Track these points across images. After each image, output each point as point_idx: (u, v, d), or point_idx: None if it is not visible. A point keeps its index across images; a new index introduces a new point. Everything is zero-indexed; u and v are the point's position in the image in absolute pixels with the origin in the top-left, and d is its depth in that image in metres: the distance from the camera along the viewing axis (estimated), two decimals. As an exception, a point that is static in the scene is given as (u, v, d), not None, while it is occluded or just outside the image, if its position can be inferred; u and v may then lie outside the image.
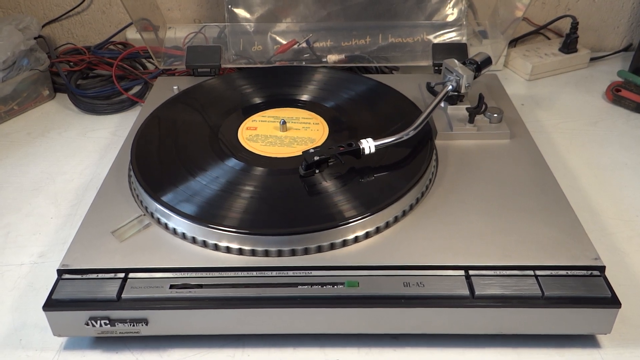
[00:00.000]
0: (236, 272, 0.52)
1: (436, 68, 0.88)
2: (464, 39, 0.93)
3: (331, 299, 0.50)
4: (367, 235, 0.55)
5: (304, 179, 0.60)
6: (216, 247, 0.54)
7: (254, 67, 0.91)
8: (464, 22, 0.95)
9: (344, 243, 0.54)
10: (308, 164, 0.59)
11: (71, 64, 1.01)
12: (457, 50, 0.88)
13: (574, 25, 1.02)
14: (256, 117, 0.72)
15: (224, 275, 0.52)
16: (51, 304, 0.50)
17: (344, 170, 0.61)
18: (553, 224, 0.57)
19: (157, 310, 0.50)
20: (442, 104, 0.73)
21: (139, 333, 0.51)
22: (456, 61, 0.72)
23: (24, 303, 0.58)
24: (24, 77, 0.92)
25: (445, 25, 0.95)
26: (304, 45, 0.93)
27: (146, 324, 0.51)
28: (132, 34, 1.06)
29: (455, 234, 0.55)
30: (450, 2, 0.95)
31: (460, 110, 0.72)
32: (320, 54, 0.93)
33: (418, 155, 0.63)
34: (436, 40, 0.94)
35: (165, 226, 0.56)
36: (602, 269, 0.52)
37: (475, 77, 0.72)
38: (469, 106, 0.70)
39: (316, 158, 0.59)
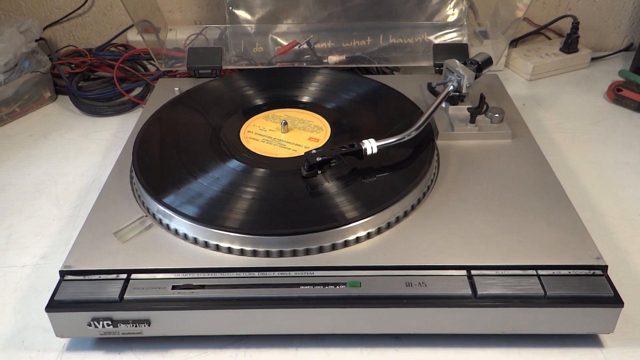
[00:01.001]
0: (238, 273, 0.52)
1: (437, 68, 0.88)
2: (465, 40, 0.93)
3: (333, 300, 0.50)
4: (369, 236, 0.55)
5: (307, 179, 0.60)
6: (218, 248, 0.54)
7: (255, 69, 0.91)
8: (465, 23, 0.95)
9: (346, 243, 0.54)
10: (310, 164, 0.59)
11: (72, 66, 1.01)
12: (458, 50, 0.88)
13: (575, 25, 1.02)
14: (257, 118, 0.72)
15: (226, 276, 0.52)
16: (54, 305, 0.50)
17: (346, 171, 0.61)
18: (555, 223, 0.56)
19: (160, 311, 0.50)
20: (443, 105, 0.73)
21: (141, 334, 0.51)
22: (457, 61, 0.72)
23: (26, 304, 0.58)
24: (26, 79, 0.92)
25: (446, 26, 0.95)
26: (305, 46, 0.93)
27: (148, 325, 0.51)
28: (133, 36, 1.06)
29: (457, 234, 0.55)
30: (451, 3, 0.95)
31: (461, 110, 0.73)
32: (321, 55, 0.93)
33: (420, 155, 0.63)
34: (437, 41, 0.94)
35: (167, 227, 0.56)
36: (604, 268, 0.52)
37: (476, 78, 0.72)
38: (470, 106, 0.70)
39: (318, 159, 0.59)
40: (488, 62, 0.73)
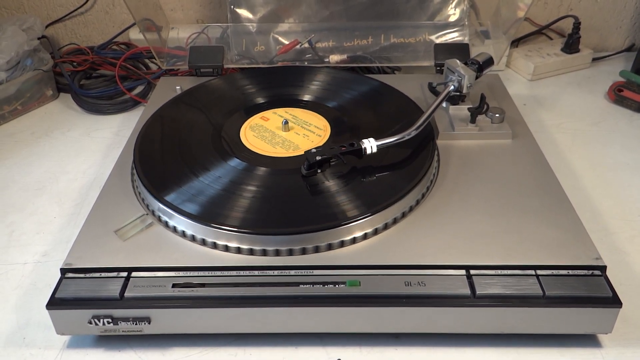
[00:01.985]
0: (238, 272, 0.52)
1: (438, 68, 0.88)
2: (466, 39, 0.93)
3: (333, 298, 0.50)
4: (369, 235, 0.55)
5: (306, 178, 0.60)
6: (218, 247, 0.54)
7: (257, 67, 0.91)
8: (466, 23, 0.95)
9: (345, 242, 0.54)
10: (310, 163, 0.59)
11: (74, 64, 1.01)
12: (459, 50, 0.88)
13: (576, 26, 1.02)
14: (258, 117, 0.73)
15: (227, 275, 0.52)
16: (54, 303, 0.50)
17: (345, 170, 0.61)
18: (555, 223, 0.57)
19: (160, 309, 0.50)
20: (444, 104, 0.73)
21: (141, 332, 0.52)
22: (458, 61, 0.72)
23: (27, 302, 0.59)
24: (28, 77, 0.93)
25: (447, 26, 0.95)
26: (306, 45, 0.93)
27: (149, 323, 0.51)
28: (135, 34, 1.06)
29: (457, 234, 0.55)
30: (452, 3, 0.95)
31: (462, 110, 0.73)
32: (323, 54, 0.93)
33: (420, 155, 0.64)
34: (438, 41, 0.94)
35: (168, 225, 0.57)
36: (603, 268, 0.52)
37: (477, 77, 0.72)
38: (471, 106, 0.71)
39: (318, 158, 0.59)
40: (489, 62, 0.73)
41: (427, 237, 0.55)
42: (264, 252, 0.53)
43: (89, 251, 0.54)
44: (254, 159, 0.64)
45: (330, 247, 0.54)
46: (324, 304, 0.50)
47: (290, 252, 0.53)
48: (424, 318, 0.51)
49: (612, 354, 0.52)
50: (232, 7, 0.95)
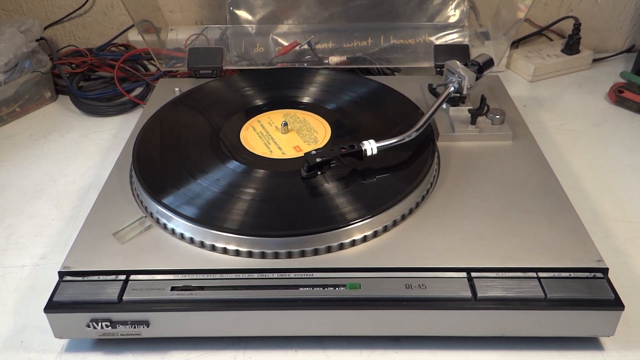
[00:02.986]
0: (238, 274, 0.52)
1: (438, 69, 0.88)
2: (466, 41, 0.93)
3: (333, 301, 0.50)
4: (369, 238, 0.55)
5: (306, 180, 0.60)
6: (217, 249, 0.54)
7: (256, 69, 0.91)
8: (466, 24, 0.95)
9: (346, 245, 0.54)
10: (310, 165, 0.59)
11: (73, 65, 1.01)
12: (459, 51, 0.88)
13: (577, 27, 1.02)
14: (258, 118, 0.72)
15: (226, 278, 0.52)
16: (52, 306, 0.50)
17: (346, 172, 0.61)
18: (556, 225, 0.56)
19: (159, 312, 0.50)
20: (444, 106, 0.72)
21: (140, 335, 0.51)
22: (458, 62, 0.71)
23: (25, 305, 0.58)
24: (26, 79, 0.92)
25: (447, 27, 0.95)
26: (306, 46, 0.93)
27: (147, 326, 0.51)
28: (134, 36, 1.06)
29: (458, 236, 0.55)
30: (452, 4, 0.95)
31: (462, 111, 0.72)
32: (322, 55, 0.93)
33: (420, 156, 0.63)
34: (438, 42, 0.94)
35: (167, 228, 0.56)
36: (605, 270, 0.52)
37: (477, 79, 0.72)
38: (471, 108, 0.70)
39: (318, 160, 0.59)
40: (489, 63, 0.73)
41: (427, 239, 0.55)
42: (263, 255, 0.53)
43: (88, 254, 0.54)
44: (253, 161, 0.64)
45: (329, 249, 0.53)
46: (324, 306, 0.50)
47: (289, 255, 0.53)
48: (424, 321, 0.51)
49: (614, 357, 0.52)
50: (231, 8, 0.95)
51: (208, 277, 0.52)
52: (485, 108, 0.70)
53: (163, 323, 0.51)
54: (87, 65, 1.00)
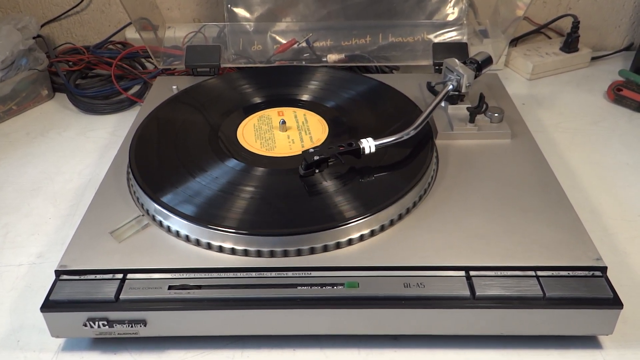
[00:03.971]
0: (235, 273, 0.52)
1: (437, 67, 0.87)
2: (465, 39, 0.93)
3: (331, 300, 0.50)
4: (367, 236, 0.55)
5: (304, 178, 0.60)
6: (215, 248, 0.54)
7: (254, 67, 0.91)
8: (465, 22, 0.95)
9: (344, 243, 0.54)
10: (308, 163, 0.59)
11: (70, 63, 1.00)
12: (457, 49, 0.88)
13: (575, 25, 1.02)
14: (256, 116, 0.72)
15: (223, 276, 0.51)
16: (49, 305, 0.50)
17: (344, 170, 0.61)
18: (554, 224, 0.56)
19: (156, 311, 0.50)
20: (442, 104, 0.72)
21: (137, 334, 0.51)
22: (457, 60, 0.71)
23: (22, 304, 0.58)
24: (23, 76, 0.92)
25: (445, 25, 0.94)
26: (304, 44, 0.93)
27: (144, 325, 0.50)
28: (131, 34, 1.06)
29: (456, 234, 0.55)
30: (450, 2, 0.95)
31: (460, 109, 0.72)
32: (320, 53, 0.93)
33: (418, 155, 0.63)
34: (437, 40, 0.93)
35: (163, 226, 0.56)
36: (603, 269, 0.52)
37: (475, 77, 0.71)
38: (470, 106, 0.70)
39: (316, 158, 0.59)
40: (488, 61, 0.73)
41: (426, 237, 0.55)
42: (259, 253, 0.53)
43: (84, 253, 0.53)
44: (251, 159, 0.64)
45: (327, 248, 0.53)
46: (322, 305, 0.50)
47: (286, 253, 0.53)
48: (423, 320, 0.51)
49: (613, 355, 0.52)
50: (229, 6, 0.94)
51: (205, 276, 0.51)
52: (484, 106, 0.69)
53: (160, 322, 0.50)
54: (84, 63, 1.00)
